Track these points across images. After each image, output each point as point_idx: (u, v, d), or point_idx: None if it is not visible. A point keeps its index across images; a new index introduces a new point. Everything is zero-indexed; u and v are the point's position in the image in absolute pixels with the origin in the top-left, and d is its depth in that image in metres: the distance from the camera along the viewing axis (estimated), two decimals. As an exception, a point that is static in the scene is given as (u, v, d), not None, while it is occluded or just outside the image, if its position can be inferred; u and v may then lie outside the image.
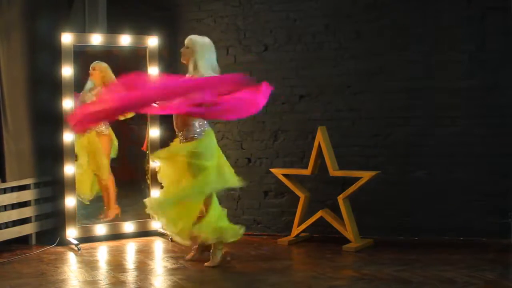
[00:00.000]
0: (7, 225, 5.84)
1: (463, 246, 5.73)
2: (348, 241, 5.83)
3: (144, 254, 5.73)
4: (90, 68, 6.37)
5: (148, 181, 6.53)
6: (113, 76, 6.33)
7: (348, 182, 5.96)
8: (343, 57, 6.26)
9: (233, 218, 6.44)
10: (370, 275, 4.85)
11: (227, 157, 6.51)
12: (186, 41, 5.22)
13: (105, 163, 6.44)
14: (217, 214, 5.19)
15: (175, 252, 5.73)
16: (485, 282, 4.59)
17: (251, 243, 6.08)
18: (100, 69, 6.37)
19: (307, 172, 6.04)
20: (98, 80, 6.35)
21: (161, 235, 6.41)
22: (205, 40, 5.22)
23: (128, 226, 6.38)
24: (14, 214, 5.89)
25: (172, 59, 6.73)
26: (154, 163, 6.04)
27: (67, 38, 6.10)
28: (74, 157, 6.16)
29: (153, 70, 6.46)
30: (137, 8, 6.85)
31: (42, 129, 6.15)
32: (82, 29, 6.71)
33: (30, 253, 5.74)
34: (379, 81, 6.16)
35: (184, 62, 5.25)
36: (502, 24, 5.84)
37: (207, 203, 5.17)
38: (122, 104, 4.87)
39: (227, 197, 6.56)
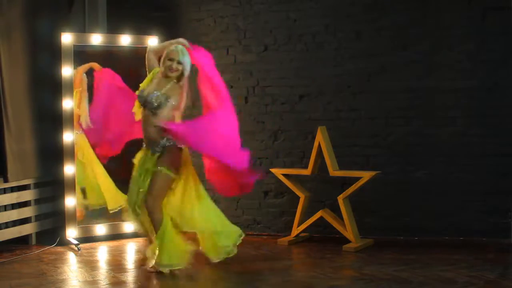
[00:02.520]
0: (7, 225, 5.84)
1: (463, 246, 5.73)
2: (348, 241, 5.83)
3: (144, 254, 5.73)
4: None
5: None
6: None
7: (348, 182, 5.96)
8: (343, 57, 6.26)
9: (233, 218, 6.44)
10: (370, 275, 4.85)
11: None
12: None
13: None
14: None
15: (175, 252, 5.73)
16: (485, 282, 4.59)
17: (251, 243, 6.08)
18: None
19: (307, 172, 6.04)
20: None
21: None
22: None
23: (128, 226, 6.37)
24: (14, 214, 5.90)
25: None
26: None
27: (67, 38, 6.10)
28: (74, 157, 6.16)
29: (153, 70, 6.46)
30: (137, 8, 6.86)
31: (43, 129, 6.15)
32: (82, 29, 6.71)
33: (30, 253, 5.74)
34: (379, 81, 6.16)
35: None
36: (502, 24, 5.84)
37: None
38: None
39: (227, 197, 6.56)
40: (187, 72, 5.04)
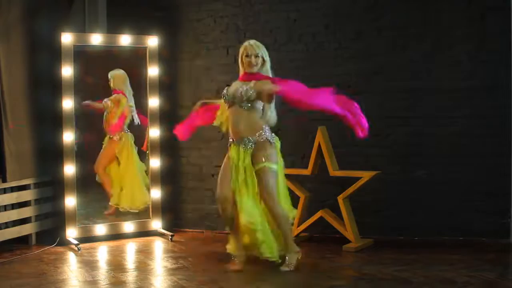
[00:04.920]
0: (7, 225, 5.84)
1: (463, 246, 5.73)
2: (348, 241, 5.83)
3: (144, 254, 5.73)
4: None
5: (148, 181, 6.53)
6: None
7: (348, 182, 5.95)
8: (343, 57, 6.25)
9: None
10: (370, 275, 4.85)
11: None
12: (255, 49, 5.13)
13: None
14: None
15: (175, 252, 5.73)
16: (485, 282, 4.59)
17: (251, 243, 6.07)
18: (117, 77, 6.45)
19: (307, 172, 6.04)
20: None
21: (161, 235, 6.41)
22: None
23: (128, 226, 6.38)
24: (14, 214, 5.90)
25: (172, 59, 6.73)
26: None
27: (67, 38, 6.10)
28: (74, 157, 6.16)
29: (153, 70, 6.47)
30: (137, 8, 6.85)
31: (42, 129, 6.15)
32: (82, 29, 6.72)
33: (30, 253, 5.75)
34: (379, 81, 6.16)
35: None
36: (502, 24, 5.84)
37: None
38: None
39: (227, 197, 6.54)
40: (268, 63, 5.17)
